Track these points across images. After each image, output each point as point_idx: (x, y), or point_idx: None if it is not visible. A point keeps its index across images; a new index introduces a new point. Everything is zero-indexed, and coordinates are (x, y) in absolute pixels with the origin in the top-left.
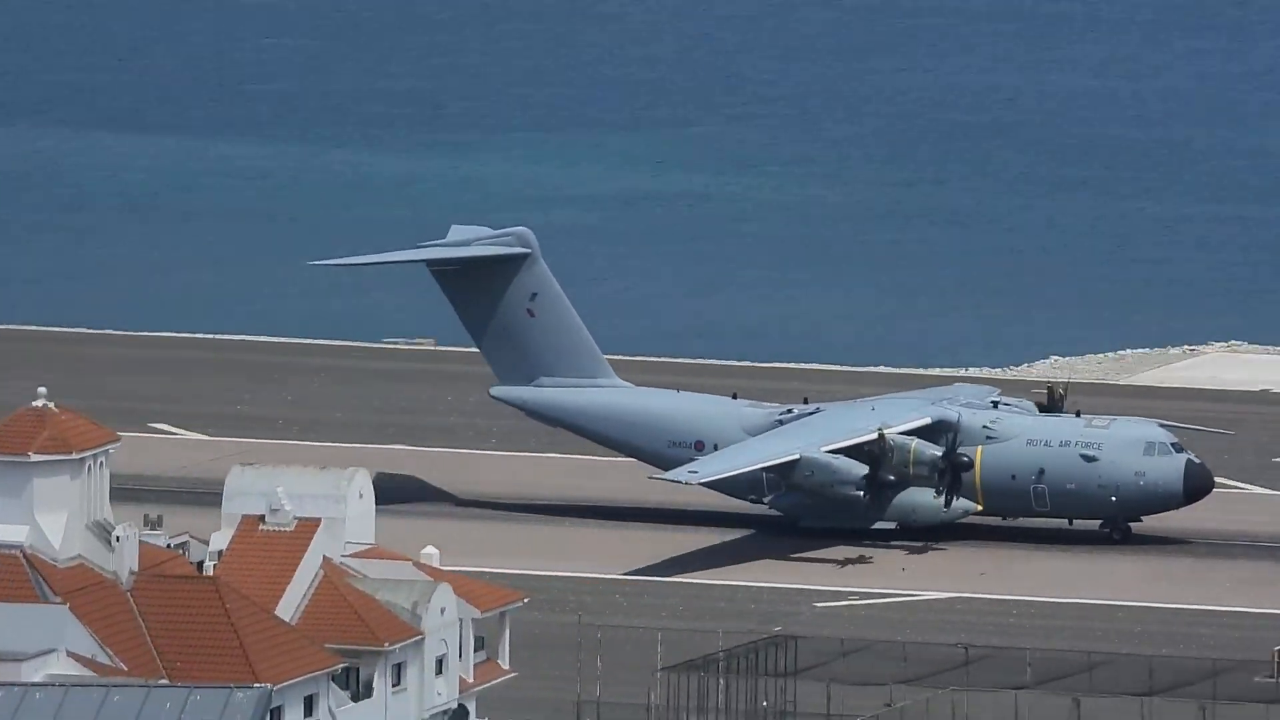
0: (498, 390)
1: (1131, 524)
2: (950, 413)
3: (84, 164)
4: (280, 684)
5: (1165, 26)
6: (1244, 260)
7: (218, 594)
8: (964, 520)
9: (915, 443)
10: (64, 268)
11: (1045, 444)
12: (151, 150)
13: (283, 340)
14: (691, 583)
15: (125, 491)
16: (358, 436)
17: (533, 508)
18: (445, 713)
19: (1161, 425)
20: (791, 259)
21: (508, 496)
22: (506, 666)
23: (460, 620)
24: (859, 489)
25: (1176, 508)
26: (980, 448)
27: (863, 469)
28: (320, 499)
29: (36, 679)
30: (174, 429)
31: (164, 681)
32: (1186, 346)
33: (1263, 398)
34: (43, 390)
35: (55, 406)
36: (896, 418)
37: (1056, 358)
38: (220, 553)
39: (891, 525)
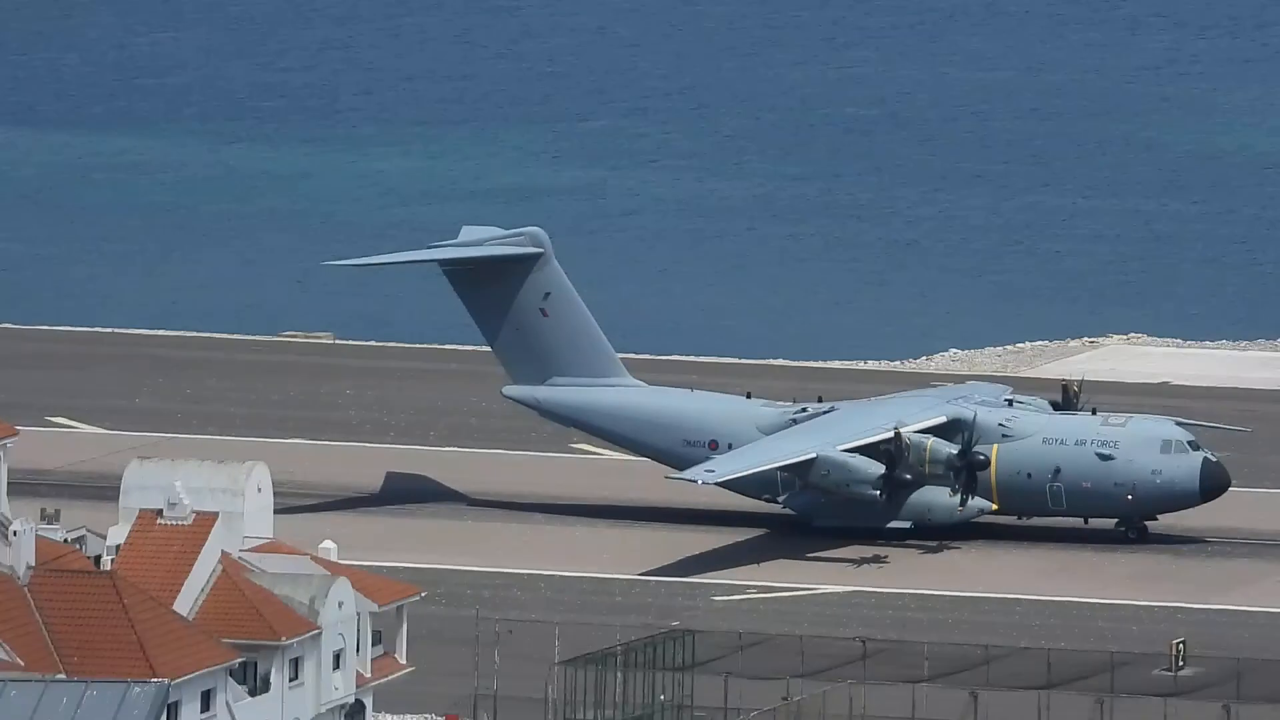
0: (510, 390)
1: (1147, 523)
2: (966, 411)
3: None
4: (177, 679)
5: (1061, 20)
6: (1143, 253)
7: (115, 588)
8: (979, 519)
9: (931, 441)
10: None
11: (1061, 442)
12: (48, 144)
13: (181, 334)
14: (590, 577)
15: (22, 486)
16: (257, 430)
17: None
18: (342, 707)
19: (1178, 423)
20: (687, 253)
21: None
22: (403, 661)
23: (358, 614)
24: (875, 488)
25: (1193, 506)
26: (996, 446)
27: (879, 468)
28: (218, 493)
29: None
30: (72, 423)
31: (61, 676)
32: (1086, 339)
33: (1163, 390)
34: None
35: None
36: (912, 416)
37: (956, 350)
38: (118, 547)
39: (906, 525)
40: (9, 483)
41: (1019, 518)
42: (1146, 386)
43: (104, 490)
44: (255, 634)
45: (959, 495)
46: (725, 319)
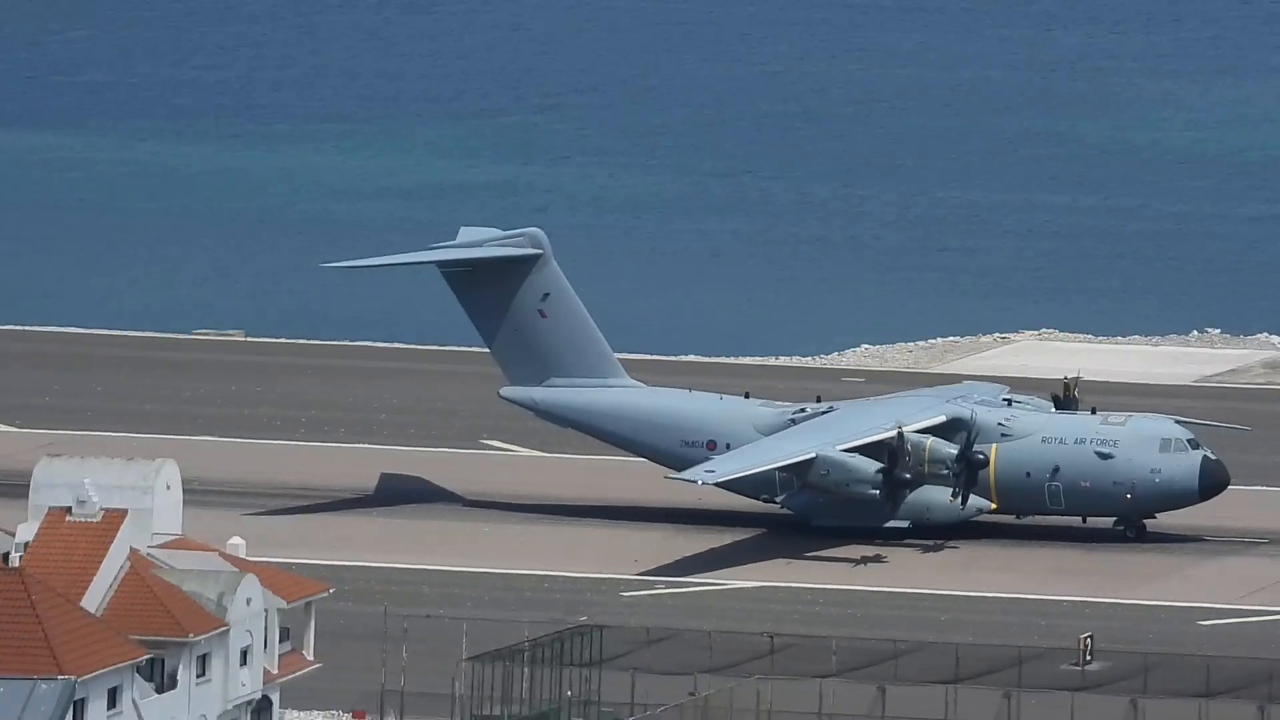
0: (508, 391)
1: (1146, 521)
2: (965, 410)
3: None
4: (84, 675)
5: (975, 15)
6: (1055, 249)
7: (23, 585)
8: (977, 519)
9: (931, 440)
10: None
11: (1060, 441)
12: None
13: (91, 331)
14: (497, 572)
15: None
16: (166, 428)
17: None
18: (249, 704)
19: (1178, 422)
20: (600, 248)
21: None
22: (311, 657)
23: (266, 611)
24: (875, 488)
25: (1192, 505)
26: (995, 445)
27: (879, 467)
28: (127, 490)
29: None
30: None
31: None
32: (998, 335)
33: (1077, 386)
34: None
35: None
36: (911, 416)
37: (868, 346)
38: (26, 544)
39: (905, 524)
40: None
41: (1017, 517)
42: (1058, 382)
43: (13, 488)
44: (163, 630)
45: (959, 495)
46: (638, 315)
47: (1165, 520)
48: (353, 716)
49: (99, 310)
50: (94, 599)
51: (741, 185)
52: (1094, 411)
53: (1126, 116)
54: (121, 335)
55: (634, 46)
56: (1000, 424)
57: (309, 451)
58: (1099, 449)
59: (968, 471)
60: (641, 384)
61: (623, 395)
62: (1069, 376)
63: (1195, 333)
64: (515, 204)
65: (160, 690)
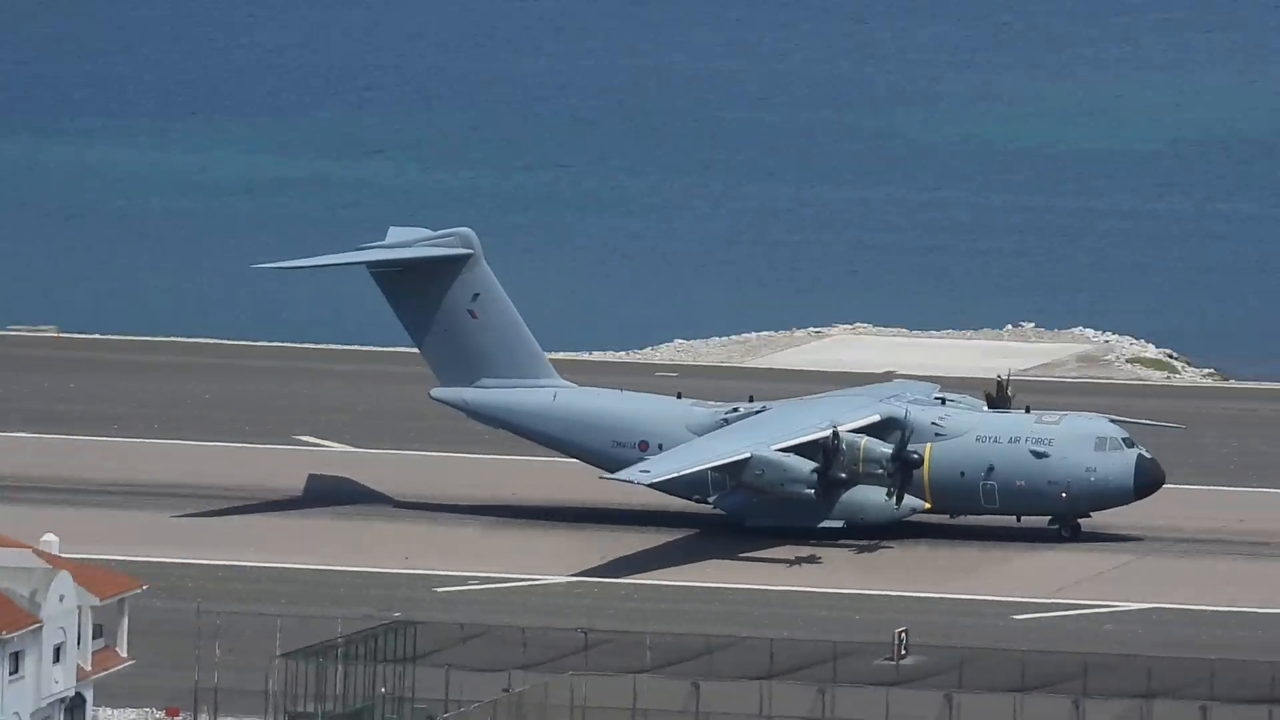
0: (438, 392)
1: (1080, 520)
2: (899, 409)
3: None
4: None
5: (788, 8)
6: (868, 243)
7: None
8: (911, 518)
9: (865, 440)
10: None
11: (995, 440)
12: None
13: None
14: (311, 568)
15: None
16: None
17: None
18: (62, 701)
19: (1112, 421)
20: None
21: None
22: (124, 654)
23: (79, 608)
24: (810, 487)
25: (1127, 503)
26: (930, 445)
27: (813, 467)
28: None
29: None
30: None
31: None
32: (812, 329)
33: (889, 379)
34: None
35: None
36: (846, 415)
37: (681, 341)
38: None
39: (839, 524)
40: None
41: (952, 516)
42: (872, 376)
43: None
44: None
45: (894, 494)
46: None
47: (1099, 519)
48: (166, 714)
49: None
50: None
51: (554, 180)
52: (1028, 410)
53: (939, 109)
54: None
55: (447, 42)
56: (935, 423)
57: (127, 448)
58: (1034, 448)
59: (902, 471)
60: (573, 384)
61: (554, 395)
62: (1002, 375)
63: (1009, 326)
64: (329, 199)
65: None
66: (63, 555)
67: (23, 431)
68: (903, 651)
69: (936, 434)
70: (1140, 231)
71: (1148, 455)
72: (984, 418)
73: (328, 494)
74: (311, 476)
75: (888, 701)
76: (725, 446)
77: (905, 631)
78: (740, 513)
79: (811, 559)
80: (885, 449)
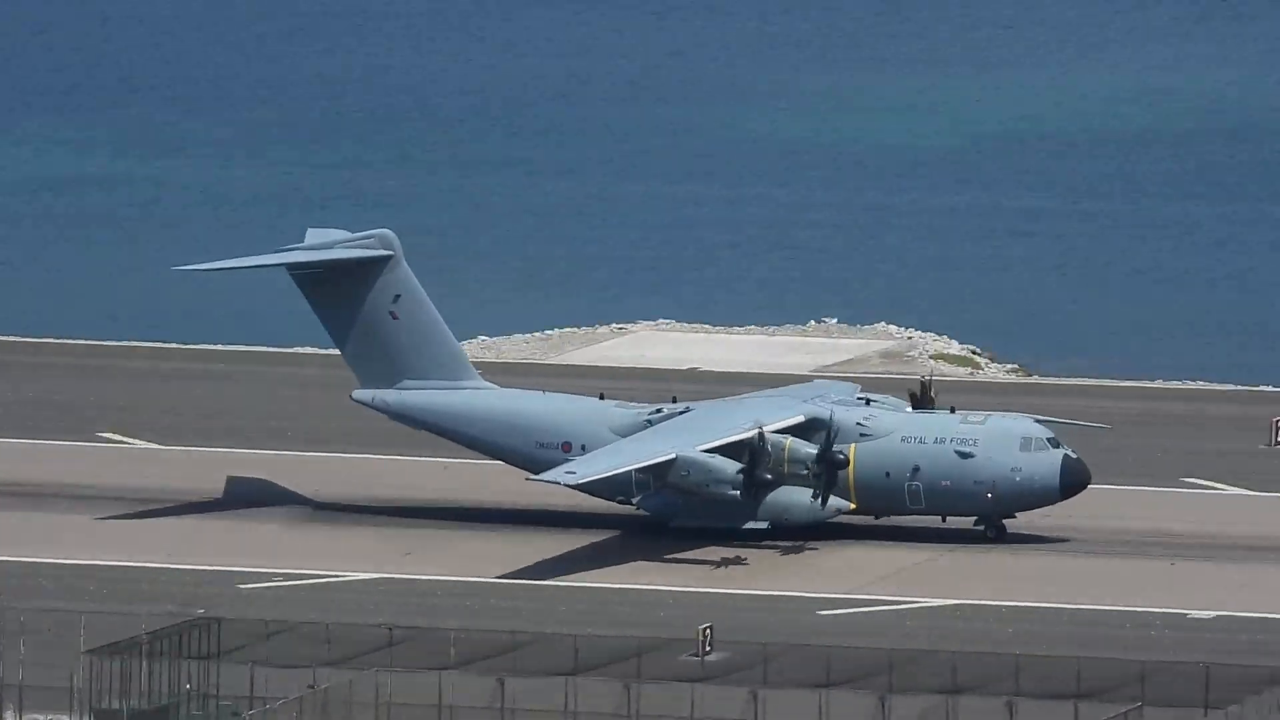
0: (360, 394)
1: (1006, 520)
2: (823, 410)
3: None
4: None
5: (590, 4)
6: (670, 238)
7: None
8: (836, 519)
9: (790, 441)
10: None
11: (920, 441)
12: None
13: None
14: (113, 565)
15: None
16: None
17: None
18: None
19: (1037, 421)
20: (217, 241)
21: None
22: None
23: None
24: (735, 488)
25: (1053, 504)
26: (854, 445)
27: (739, 468)
28: None
29: None
30: None
31: None
32: (615, 325)
33: (690, 376)
34: None
35: None
36: (770, 416)
37: (484, 337)
38: None
39: (764, 525)
40: None
41: (876, 517)
42: (675, 373)
43: None
44: None
45: (819, 495)
46: (259, 305)
47: (1025, 519)
48: None
49: None
50: None
51: (355, 178)
52: (953, 410)
53: (742, 105)
54: None
55: (250, 39)
56: (859, 423)
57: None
58: (959, 448)
59: (828, 472)
60: (495, 385)
61: (476, 397)
62: (924, 375)
63: (812, 322)
64: (128, 195)
65: None
66: None
67: None
68: (707, 648)
69: (861, 434)
70: (942, 228)
71: (1074, 455)
72: (909, 418)
73: (138, 490)
74: (121, 472)
75: (693, 698)
76: (651, 447)
77: (710, 628)
78: (664, 514)
79: (738, 559)
80: (810, 450)
